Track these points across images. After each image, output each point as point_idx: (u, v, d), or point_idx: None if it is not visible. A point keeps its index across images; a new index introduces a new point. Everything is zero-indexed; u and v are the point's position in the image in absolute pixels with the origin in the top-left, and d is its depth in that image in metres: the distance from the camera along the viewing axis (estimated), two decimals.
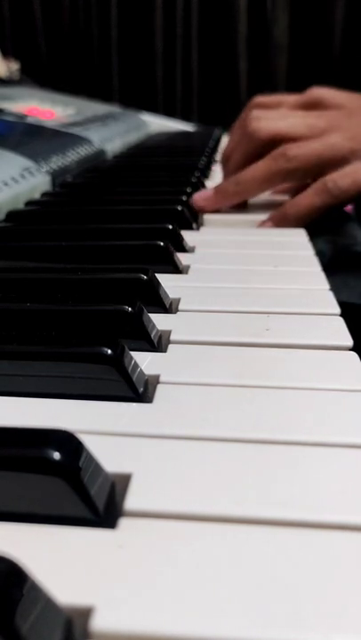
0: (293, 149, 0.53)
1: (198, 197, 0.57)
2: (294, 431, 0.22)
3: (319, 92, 0.62)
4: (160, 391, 0.25)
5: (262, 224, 0.52)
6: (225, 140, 1.10)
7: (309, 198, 0.51)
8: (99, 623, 0.14)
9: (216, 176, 0.74)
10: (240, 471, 0.20)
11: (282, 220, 0.52)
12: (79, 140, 0.79)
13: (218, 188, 0.57)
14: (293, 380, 0.26)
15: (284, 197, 0.60)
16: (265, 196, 0.59)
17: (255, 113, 0.60)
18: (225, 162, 0.64)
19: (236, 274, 0.39)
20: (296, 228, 0.51)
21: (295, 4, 1.64)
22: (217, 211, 0.57)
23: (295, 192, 0.58)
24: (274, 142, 0.55)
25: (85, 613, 0.15)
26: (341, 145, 0.53)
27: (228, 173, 0.62)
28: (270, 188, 0.57)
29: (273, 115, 0.60)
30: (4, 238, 0.44)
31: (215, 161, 0.86)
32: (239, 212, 0.58)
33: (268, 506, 0.18)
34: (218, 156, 0.89)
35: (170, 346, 0.29)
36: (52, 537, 0.17)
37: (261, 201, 0.59)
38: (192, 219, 0.51)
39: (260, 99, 0.68)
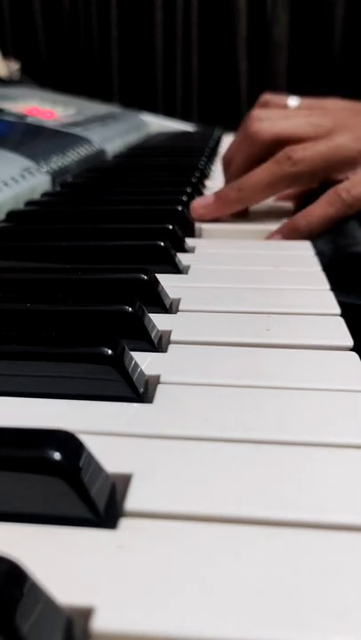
0: (298, 152, 0.50)
1: (197, 205, 0.53)
2: (294, 431, 0.22)
3: (327, 102, 0.61)
4: (160, 391, 0.25)
5: (271, 236, 0.49)
6: (225, 140, 1.10)
7: (322, 208, 0.48)
8: (99, 623, 0.14)
9: (216, 177, 0.74)
10: (240, 471, 0.20)
11: (292, 232, 0.48)
12: (79, 140, 0.79)
13: (218, 195, 0.53)
14: (293, 380, 0.26)
15: (286, 204, 0.58)
16: (267, 201, 0.56)
17: (256, 113, 0.57)
18: (226, 165, 0.61)
19: (237, 274, 0.39)
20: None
21: (295, 3, 1.64)
22: (216, 220, 0.53)
23: (300, 198, 0.56)
24: (277, 144, 0.52)
25: (85, 613, 0.15)
26: (349, 147, 0.50)
27: (229, 178, 0.58)
28: (275, 194, 0.54)
29: (275, 114, 0.57)
30: (4, 238, 0.44)
31: (215, 161, 0.86)
32: (240, 221, 0.54)
33: (268, 506, 0.18)
34: (218, 157, 0.89)
35: (170, 346, 0.29)
36: (52, 537, 0.17)
37: (263, 207, 0.56)
38: (193, 219, 0.51)
39: (267, 97, 0.67)
